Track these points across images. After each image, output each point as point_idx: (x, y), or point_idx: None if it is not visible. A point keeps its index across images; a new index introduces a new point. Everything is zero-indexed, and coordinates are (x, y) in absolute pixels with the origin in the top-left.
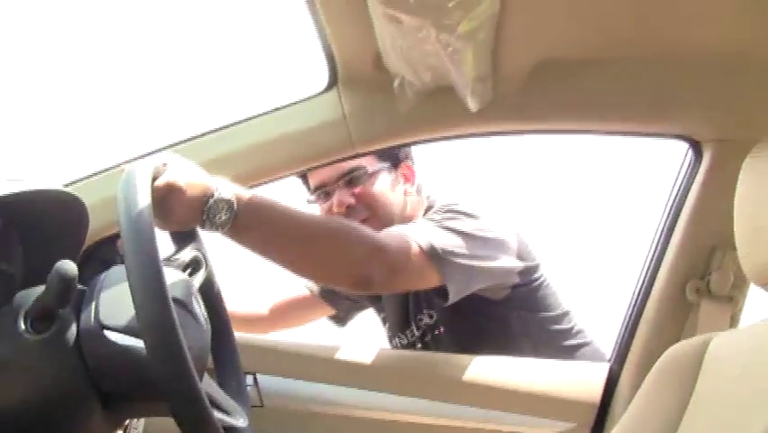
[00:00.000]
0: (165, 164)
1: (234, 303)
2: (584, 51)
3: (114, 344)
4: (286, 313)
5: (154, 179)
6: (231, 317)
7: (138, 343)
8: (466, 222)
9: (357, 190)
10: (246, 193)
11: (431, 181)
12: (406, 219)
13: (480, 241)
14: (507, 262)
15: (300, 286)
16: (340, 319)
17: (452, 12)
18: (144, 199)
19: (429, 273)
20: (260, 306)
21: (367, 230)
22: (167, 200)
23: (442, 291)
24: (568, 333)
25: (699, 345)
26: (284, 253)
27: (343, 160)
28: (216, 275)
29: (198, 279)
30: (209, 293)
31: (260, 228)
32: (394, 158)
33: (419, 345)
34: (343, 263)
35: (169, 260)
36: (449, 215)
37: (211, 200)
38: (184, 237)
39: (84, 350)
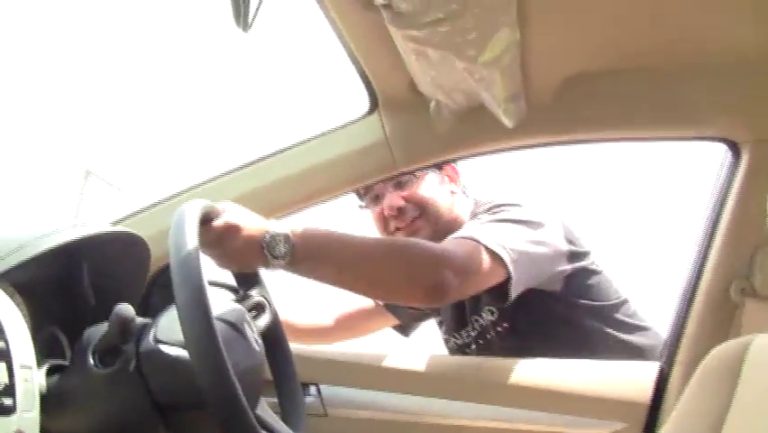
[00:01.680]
0: (221, 208)
1: (300, 315)
2: (614, 62)
3: (168, 355)
4: (350, 324)
5: (206, 216)
6: (297, 329)
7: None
8: (513, 211)
9: (406, 193)
10: (302, 228)
11: (475, 187)
12: (454, 218)
13: (532, 225)
14: (558, 243)
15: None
16: (404, 329)
17: (473, 43)
18: (191, 231)
19: (496, 269)
20: (325, 317)
21: (428, 242)
22: (227, 239)
23: (503, 287)
24: (629, 320)
25: (742, 347)
26: (350, 277)
27: (388, 179)
28: (279, 317)
29: (263, 321)
30: (273, 334)
31: (321, 256)
32: None
33: (474, 346)
34: (414, 279)
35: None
36: (496, 209)
37: (268, 235)
38: (249, 282)
39: (144, 369)
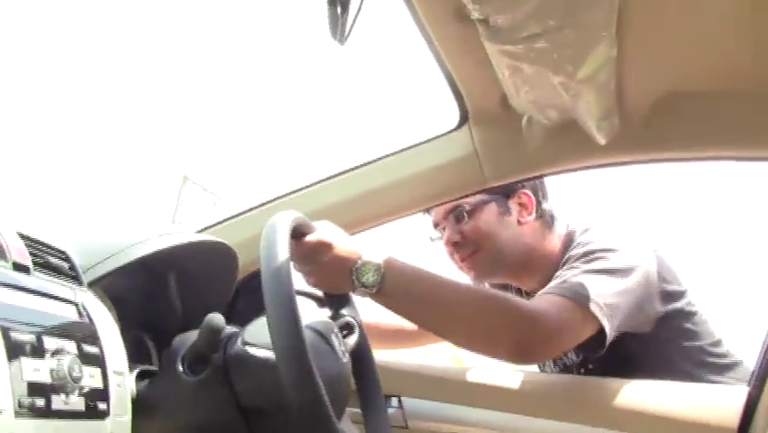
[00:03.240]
0: (317, 225)
1: (386, 316)
2: (710, 83)
3: (255, 357)
4: None
5: (300, 231)
6: (382, 330)
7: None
8: (607, 259)
9: (463, 227)
10: (396, 260)
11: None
12: (525, 248)
13: (626, 273)
14: (652, 287)
15: None
16: None
17: (570, 59)
18: (283, 239)
19: (588, 325)
20: None
21: (521, 301)
22: (318, 256)
23: (595, 338)
24: (720, 361)
25: None
26: (435, 321)
27: (476, 194)
28: (367, 339)
29: (351, 340)
30: (360, 355)
31: (409, 294)
32: (505, 188)
33: None
34: (498, 335)
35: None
36: (589, 257)
37: (359, 261)
38: (339, 302)
39: (231, 372)
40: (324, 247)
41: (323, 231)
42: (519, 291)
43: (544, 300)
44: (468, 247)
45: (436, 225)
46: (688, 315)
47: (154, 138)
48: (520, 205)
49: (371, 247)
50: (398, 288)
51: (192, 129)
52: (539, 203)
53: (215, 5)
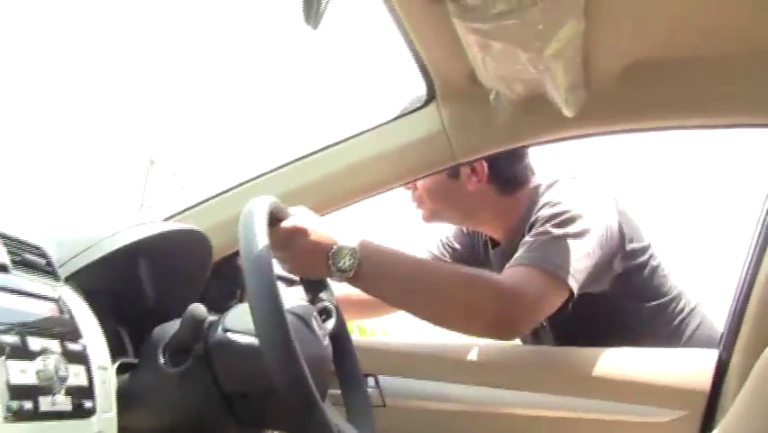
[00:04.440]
0: (293, 211)
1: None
2: (677, 50)
3: (236, 342)
4: None
5: (275, 217)
6: (354, 301)
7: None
8: (573, 222)
9: (417, 188)
10: (371, 243)
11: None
12: (469, 209)
13: (590, 235)
14: (615, 245)
15: (424, 252)
16: None
17: (540, 36)
18: (261, 224)
19: (561, 293)
20: None
21: (494, 275)
22: (294, 242)
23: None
24: (679, 317)
25: None
26: (412, 302)
27: (446, 170)
28: (345, 322)
29: (329, 324)
30: (339, 338)
31: (386, 277)
32: None
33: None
34: (480, 313)
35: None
36: (556, 219)
37: (335, 246)
38: (317, 288)
39: (213, 358)
40: (299, 233)
41: (298, 217)
42: (486, 243)
43: (520, 273)
44: (423, 207)
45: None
46: (644, 271)
47: (120, 122)
48: (472, 171)
49: (347, 232)
50: (375, 271)
51: (158, 113)
52: (495, 169)
53: None
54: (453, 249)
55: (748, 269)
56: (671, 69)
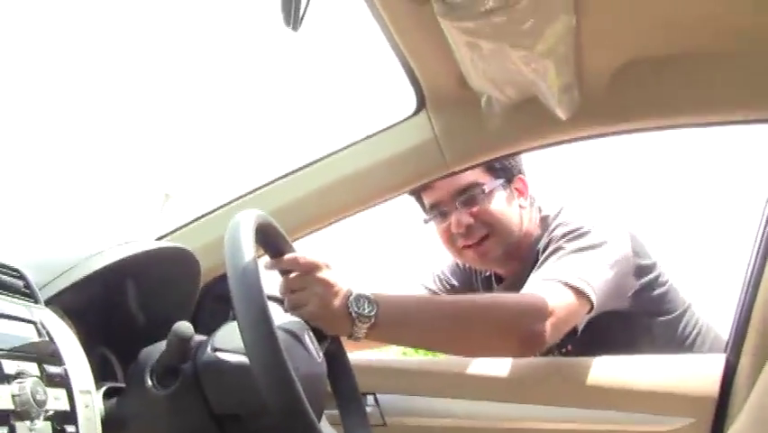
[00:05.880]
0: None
1: None
2: (670, 47)
3: (227, 362)
4: None
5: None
6: None
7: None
8: (589, 236)
9: (475, 210)
10: (380, 292)
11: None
12: (523, 233)
13: (606, 248)
14: (629, 261)
15: (420, 288)
16: None
17: (529, 33)
18: (247, 240)
19: (584, 305)
20: None
21: (513, 296)
22: (310, 283)
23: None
24: (693, 330)
25: None
26: (441, 341)
27: (439, 179)
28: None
29: (324, 343)
30: (335, 355)
31: (407, 321)
32: (508, 173)
33: None
34: (507, 333)
35: None
36: (572, 235)
37: (354, 293)
38: None
39: (202, 380)
40: (317, 269)
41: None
42: (488, 279)
43: (540, 288)
44: (479, 232)
45: (435, 207)
46: (657, 286)
47: (134, 157)
48: (518, 190)
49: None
50: (395, 317)
51: (172, 147)
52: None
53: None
54: (451, 285)
55: (752, 270)
56: (664, 67)
